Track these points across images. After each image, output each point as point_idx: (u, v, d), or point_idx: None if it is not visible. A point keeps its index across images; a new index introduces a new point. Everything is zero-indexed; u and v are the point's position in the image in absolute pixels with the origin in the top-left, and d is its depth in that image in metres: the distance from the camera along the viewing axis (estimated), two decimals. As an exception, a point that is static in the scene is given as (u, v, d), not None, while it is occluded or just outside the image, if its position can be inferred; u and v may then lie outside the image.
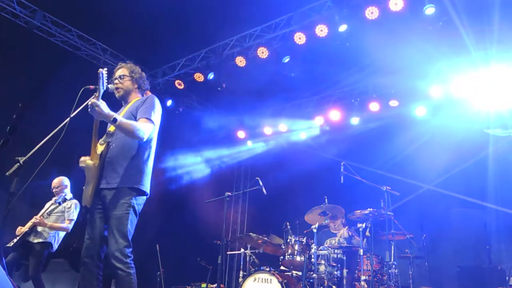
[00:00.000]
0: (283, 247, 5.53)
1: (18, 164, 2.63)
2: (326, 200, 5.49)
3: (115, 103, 3.40)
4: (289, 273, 5.44)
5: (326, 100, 8.59)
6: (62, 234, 5.44)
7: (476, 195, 7.12)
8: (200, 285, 7.23)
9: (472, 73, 6.67)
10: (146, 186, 3.20)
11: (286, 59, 6.89)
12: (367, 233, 5.14)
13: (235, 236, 9.35)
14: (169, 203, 8.48)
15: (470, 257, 6.82)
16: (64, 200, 5.37)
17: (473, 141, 6.83)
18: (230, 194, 5.53)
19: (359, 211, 5.41)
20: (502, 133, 6.66)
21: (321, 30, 6.22)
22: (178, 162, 8.82)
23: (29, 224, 5.19)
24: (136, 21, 6.50)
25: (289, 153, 9.06)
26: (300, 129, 8.97)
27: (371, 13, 5.80)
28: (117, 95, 3.41)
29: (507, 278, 5.62)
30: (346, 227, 6.18)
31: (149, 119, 3.16)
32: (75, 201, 5.50)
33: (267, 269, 5.25)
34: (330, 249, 5.42)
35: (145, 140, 3.14)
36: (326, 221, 5.50)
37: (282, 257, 5.53)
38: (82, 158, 3.14)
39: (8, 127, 2.61)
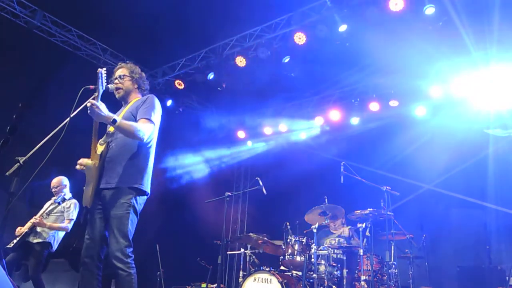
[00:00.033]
0: (283, 247, 5.53)
1: (18, 164, 2.63)
2: (326, 200, 5.49)
3: (115, 103, 3.40)
4: (289, 273, 5.43)
5: (326, 100, 8.59)
6: (61, 234, 5.43)
7: (476, 195, 7.11)
8: (200, 285, 7.23)
9: (472, 73, 6.67)
10: (147, 186, 3.20)
11: (286, 59, 6.88)
12: (367, 233, 5.14)
13: (235, 236, 9.34)
14: (169, 203, 8.48)
15: (470, 257, 6.82)
16: (64, 200, 5.37)
17: (473, 141, 6.83)
18: (230, 194, 5.53)
19: (359, 211, 5.41)
20: (502, 133, 6.65)
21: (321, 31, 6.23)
22: (178, 162, 8.83)
23: (28, 224, 5.19)
24: (136, 21, 6.50)
25: (289, 153, 9.06)
26: (300, 129, 8.97)
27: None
28: (117, 95, 3.41)
29: (507, 278, 5.62)
30: (349, 227, 6.17)
31: (149, 120, 3.16)
32: (74, 200, 5.50)
33: (267, 269, 5.25)
34: (330, 249, 5.42)
35: (145, 140, 3.14)
36: (326, 221, 5.50)
37: (282, 257, 5.53)
38: (80, 161, 3.13)
39: (8, 127, 2.61)
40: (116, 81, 3.39)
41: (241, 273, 5.97)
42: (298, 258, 5.35)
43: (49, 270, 5.92)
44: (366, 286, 4.95)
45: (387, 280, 5.20)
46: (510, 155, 6.63)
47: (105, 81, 3.04)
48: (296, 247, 5.40)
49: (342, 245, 5.53)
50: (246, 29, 7.06)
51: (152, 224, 7.42)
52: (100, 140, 3.20)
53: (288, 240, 5.47)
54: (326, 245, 5.59)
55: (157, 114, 3.26)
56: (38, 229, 5.21)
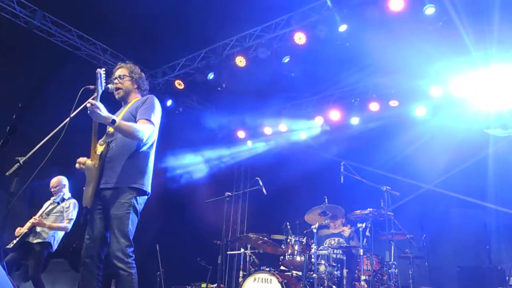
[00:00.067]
0: (283, 247, 5.53)
1: (18, 164, 2.63)
2: (326, 200, 5.49)
3: (115, 103, 3.40)
4: (289, 273, 5.44)
5: (326, 100, 8.59)
6: (61, 234, 5.43)
7: (476, 195, 7.11)
8: (200, 285, 7.23)
9: (472, 73, 6.67)
10: (147, 185, 3.20)
11: (286, 59, 6.88)
12: (367, 233, 5.14)
13: (235, 236, 9.34)
14: (169, 203, 8.48)
15: (470, 257, 6.82)
16: (63, 199, 5.36)
17: (473, 141, 6.83)
18: (230, 194, 5.53)
19: (359, 211, 5.41)
20: (502, 133, 6.65)
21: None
22: (178, 162, 8.82)
23: (28, 224, 5.18)
24: (136, 21, 6.50)
25: (289, 153, 9.06)
26: (300, 129, 8.97)
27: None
28: (116, 95, 3.40)
29: (507, 278, 5.62)
30: (352, 228, 6.13)
31: (149, 120, 3.16)
32: (73, 200, 5.50)
33: (267, 269, 5.25)
34: (330, 249, 5.42)
35: (144, 141, 3.14)
36: (326, 221, 5.50)
37: (282, 257, 5.53)
38: (79, 159, 3.13)
39: (8, 127, 2.61)
40: (116, 81, 3.38)
41: (241, 273, 5.96)
42: (298, 258, 5.35)
43: (49, 270, 5.93)
44: (366, 286, 4.95)
45: (387, 280, 5.20)
46: (510, 155, 6.63)
47: (104, 81, 3.04)
48: (296, 247, 5.40)
49: (342, 245, 5.53)
50: (246, 29, 7.06)
51: (152, 224, 7.41)
52: (100, 140, 3.20)
53: (288, 240, 5.47)
54: (325, 245, 5.60)
55: (156, 115, 3.25)
56: (38, 229, 5.21)
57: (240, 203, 10.37)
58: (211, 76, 7.53)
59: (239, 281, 5.67)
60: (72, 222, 5.39)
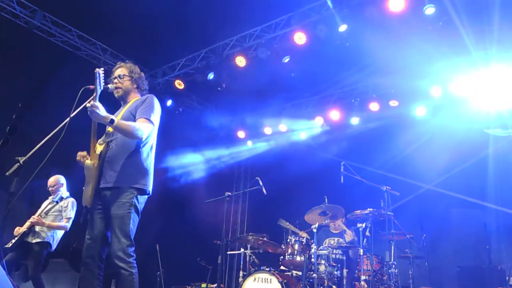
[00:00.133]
0: (283, 247, 5.54)
1: (18, 164, 2.63)
2: (326, 200, 5.49)
3: (114, 103, 3.40)
4: (289, 273, 5.44)
5: (326, 100, 8.59)
6: (60, 233, 5.43)
7: (476, 195, 7.11)
8: (200, 285, 7.23)
9: (472, 73, 6.67)
10: (148, 185, 3.19)
11: (286, 59, 6.88)
12: (367, 233, 5.14)
13: (235, 236, 9.34)
14: (169, 203, 8.48)
15: (470, 257, 6.82)
16: (61, 198, 5.35)
17: (473, 141, 6.83)
18: (230, 194, 5.53)
19: (359, 211, 5.40)
20: (502, 133, 6.66)
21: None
22: (178, 162, 8.82)
23: (27, 224, 5.18)
24: (136, 21, 6.50)
25: (289, 153, 9.06)
26: (300, 129, 8.97)
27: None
28: (116, 95, 3.40)
29: (507, 278, 5.62)
30: (353, 232, 6.10)
31: (148, 119, 3.16)
32: (72, 199, 5.49)
33: (267, 269, 5.25)
34: (330, 249, 5.42)
35: (144, 140, 3.14)
36: (326, 221, 5.50)
37: (282, 257, 5.53)
38: (80, 153, 3.12)
39: (8, 127, 2.61)
40: (116, 80, 3.38)
41: (241, 273, 5.96)
42: (298, 258, 5.35)
43: (49, 270, 5.93)
44: (366, 286, 4.95)
45: (387, 280, 5.20)
46: (510, 155, 6.63)
47: (103, 81, 3.04)
48: (296, 247, 5.40)
49: (342, 245, 5.53)
50: (246, 29, 7.06)
51: (152, 224, 7.40)
52: (99, 140, 3.20)
53: (288, 240, 5.47)
54: (325, 245, 5.60)
55: (156, 114, 3.25)
56: (37, 228, 5.20)
57: (240, 203, 10.37)
58: (211, 76, 7.53)
59: (239, 281, 5.67)
60: (71, 221, 5.38)
